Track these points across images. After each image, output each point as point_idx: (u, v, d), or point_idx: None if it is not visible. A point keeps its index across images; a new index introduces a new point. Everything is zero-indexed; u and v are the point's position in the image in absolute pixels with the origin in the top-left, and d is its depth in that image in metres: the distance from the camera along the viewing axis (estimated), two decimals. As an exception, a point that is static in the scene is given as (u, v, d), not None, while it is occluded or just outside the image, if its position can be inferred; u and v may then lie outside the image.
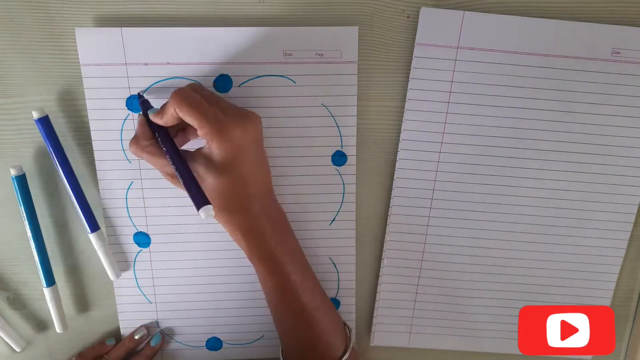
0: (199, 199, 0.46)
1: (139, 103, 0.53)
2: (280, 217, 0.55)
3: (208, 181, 0.49)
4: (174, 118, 0.48)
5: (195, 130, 0.48)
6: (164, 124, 0.50)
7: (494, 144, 0.58)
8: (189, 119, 0.47)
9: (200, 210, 0.45)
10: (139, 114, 0.52)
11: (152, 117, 0.50)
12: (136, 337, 0.61)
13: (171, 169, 0.49)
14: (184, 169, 0.48)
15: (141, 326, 0.62)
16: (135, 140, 0.51)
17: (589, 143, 0.57)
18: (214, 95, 0.51)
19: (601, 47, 0.55)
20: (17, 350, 0.62)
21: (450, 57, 0.55)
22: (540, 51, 0.55)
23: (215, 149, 0.48)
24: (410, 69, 0.56)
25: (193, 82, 0.53)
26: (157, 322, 0.62)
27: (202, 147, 0.49)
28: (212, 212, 0.45)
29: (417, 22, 0.54)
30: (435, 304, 0.63)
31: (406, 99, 0.56)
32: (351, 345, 0.56)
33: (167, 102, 0.49)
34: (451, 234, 0.60)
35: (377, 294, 0.63)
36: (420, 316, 0.63)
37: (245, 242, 0.52)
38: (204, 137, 0.48)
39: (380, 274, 0.62)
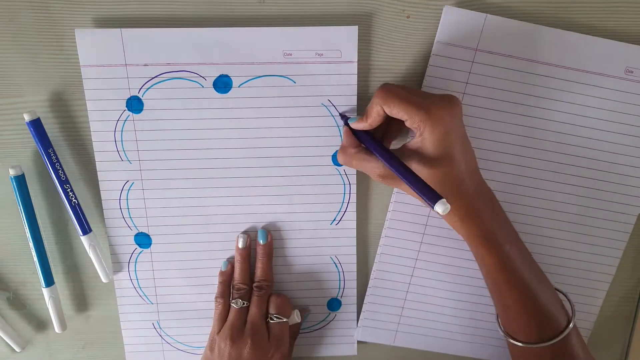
0: (431, 195, 0.45)
1: (341, 118, 0.56)
2: (490, 194, 0.54)
3: (423, 174, 0.49)
4: (379, 117, 0.49)
5: (397, 130, 0.50)
6: (370, 127, 0.51)
7: (499, 150, 0.58)
8: (397, 111, 0.47)
9: (436, 205, 0.44)
10: (344, 126, 0.55)
11: (355, 124, 0.52)
12: (241, 247, 0.60)
13: (382, 170, 0.50)
14: (402, 168, 0.48)
15: (238, 234, 0.60)
16: (342, 150, 0.53)
17: (594, 159, 0.58)
18: (411, 88, 0.51)
19: (615, 65, 0.55)
20: (17, 350, 0.62)
21: (468, 58, 0.55)
22: (556, 62, 0.55)
23: (428, 138, 0.47)
24: (408, 69, 0.56)
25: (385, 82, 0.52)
26: (158, 323, 0.62)
27: (408, 143, 0.50)
28: (449, 205, 0.44)
29: (417, 22, 0.55)
30: (424, 304, 0.63)
31: None
32: (573, 319, 0.54)
33: (368, 106, 0.50)
34: (449, 235, 0.60)
35: (368, 289, 0.63)
36: (409, 315, 0.63)
37: (463, 226, 0.52)
38: (415, 127, 0.48)
39: (373, 269, 0.62)
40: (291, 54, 0.54)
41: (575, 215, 0.60)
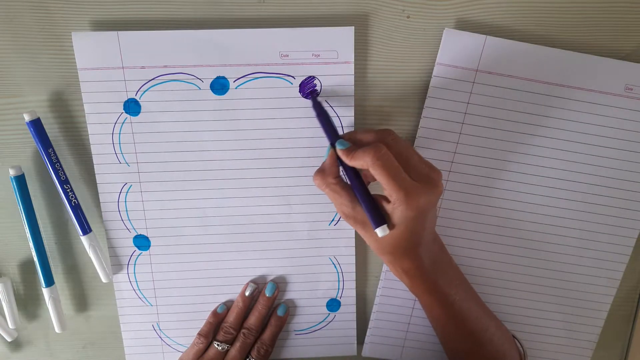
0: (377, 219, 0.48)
1: (331, 137, 0.51)
2: (441, 252, 0.56)
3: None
4: (363, 166, 0.48)
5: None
6: (350, 165, 0.49)
7: (502, 168, 0.58)
8: (379, 179, 0.47)
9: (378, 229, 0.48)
10: (330, 148, 0.51)
11: (340, 154, 0.50)
12: (247, 294, 0.61)
13: (349, 211, 0.50)
14: (372, 210, 0.49)
15: (249, 282, 0.61)
16: (322, 174, 0.51)
17: (596, 175, 0.58)
18: (407, 149, 0.49)
19: (615, 82, 0.56)
20: (8, 339, 0.62)
21: (469, 79, 0.55)
22: (556, 81, 0.56)
23: (398, 211, 0.47)
24: (408, 69, 0.56)
25: (386, 129, 0.50)
26: (157, 325, 0.62)
27: (384, 201, 0.49)
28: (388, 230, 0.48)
29: (417, 22, 0.55)
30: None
31: (421, 117, 0.57)
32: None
33: (361, 151, 0.47)
34: (454, 252, 0.60)
35: (374, 305, 0.63)
36: (416, 331, 0.63)
37: (409, 280, 0.53)
38: (390, 199, 0.47)
39: (379, 286, 0.62)
40: (288, 55, 0.54)
41: (577, 230, 0.60)
